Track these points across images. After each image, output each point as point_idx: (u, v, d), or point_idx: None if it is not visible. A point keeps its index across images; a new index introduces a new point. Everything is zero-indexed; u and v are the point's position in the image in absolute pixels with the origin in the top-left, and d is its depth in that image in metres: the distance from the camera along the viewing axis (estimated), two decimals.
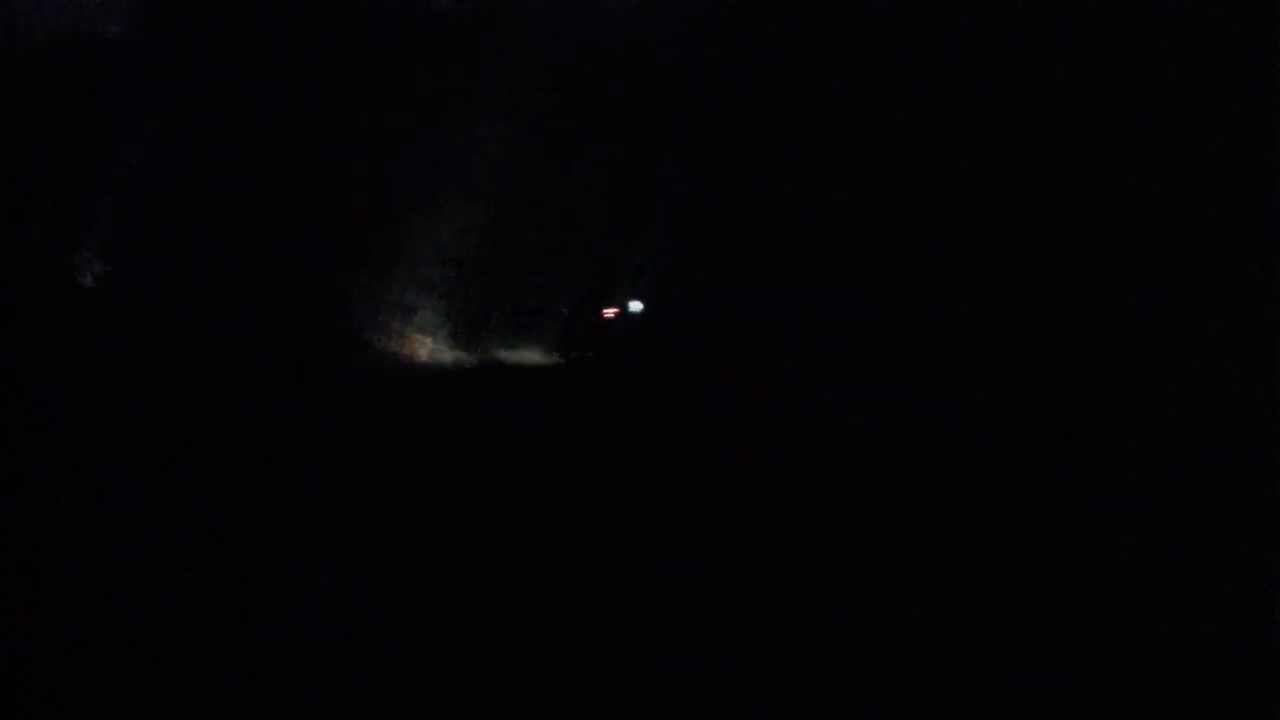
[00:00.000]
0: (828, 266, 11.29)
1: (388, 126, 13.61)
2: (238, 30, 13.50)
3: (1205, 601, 7.79)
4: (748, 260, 12.30)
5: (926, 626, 8.34)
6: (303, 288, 13.44)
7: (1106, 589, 8.30)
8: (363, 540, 9.12)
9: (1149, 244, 9.24)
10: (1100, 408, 9.24)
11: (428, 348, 14.03)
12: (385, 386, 13.08)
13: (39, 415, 10.11)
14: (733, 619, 8.08)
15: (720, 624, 8.02)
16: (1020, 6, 10.25)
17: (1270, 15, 8.75)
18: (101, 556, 8.71)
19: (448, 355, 14.13)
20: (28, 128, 13.03)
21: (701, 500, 9.65)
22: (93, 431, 10.20)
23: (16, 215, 12.61)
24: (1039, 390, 9.61)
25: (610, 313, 13.71)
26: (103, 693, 7.24)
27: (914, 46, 10.74)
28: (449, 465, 10.44)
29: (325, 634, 7.75)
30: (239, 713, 7.23)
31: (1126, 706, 7.18)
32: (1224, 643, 7.43)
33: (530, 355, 14.07)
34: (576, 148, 13.36)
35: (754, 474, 10.02)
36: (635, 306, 13.35)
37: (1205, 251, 8.90)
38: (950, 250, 10.49)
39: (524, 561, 8.83)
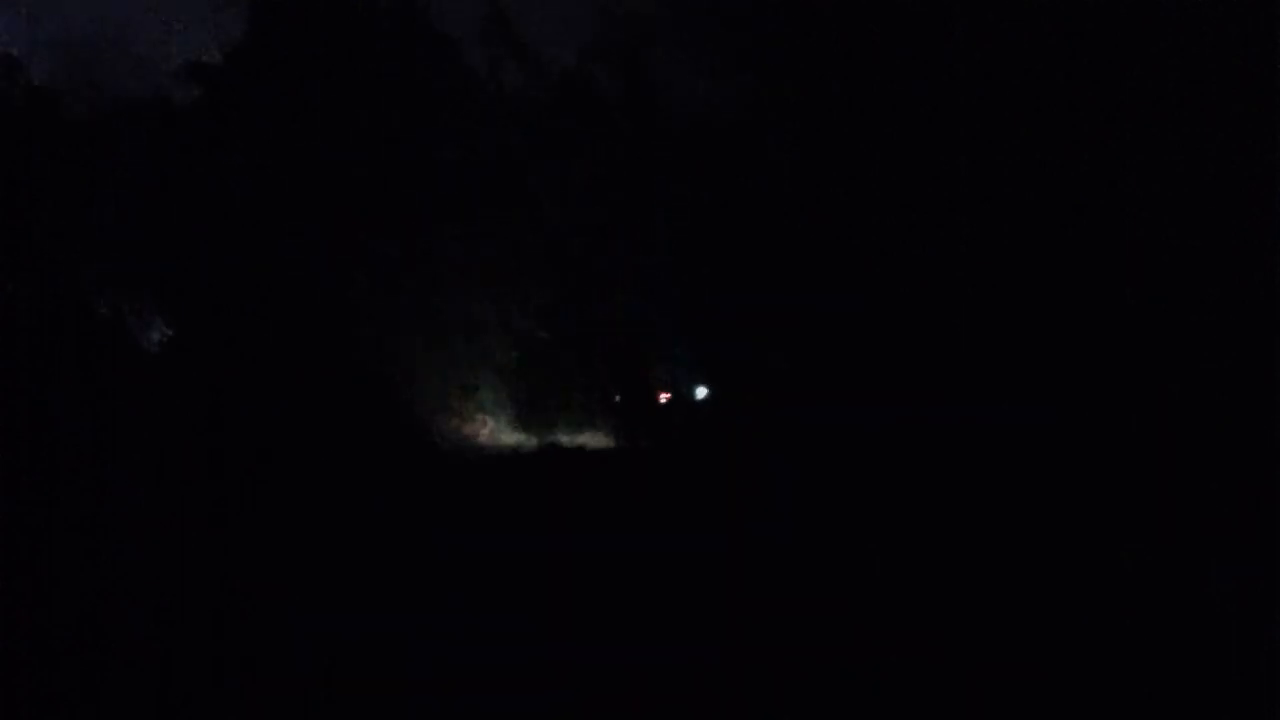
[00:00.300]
0: (828, 266, 11.32)
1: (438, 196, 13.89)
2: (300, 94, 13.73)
3: (1205, 601, 7.77)
4: (750, 261, 12.33)
5: (929, 627, 8.36)
6: (368, 366, 13.64)
7: (1107, 589, 8.29)
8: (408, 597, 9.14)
9: (1149, 244, 9.23)
10: (1101, 407, 9.24)
11: (489, 428, 14.20)
12: (449, 468, 13.18)
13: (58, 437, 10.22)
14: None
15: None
16: (1020, 7, 10.26)
17: (1270, 15, 8.75)
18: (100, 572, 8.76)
19: (509, 437, 14.27)
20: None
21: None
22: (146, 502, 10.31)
23: (23, 224, 12.72)
24: (1040, 390, 9.61)
25: (664, 397, 13.85)
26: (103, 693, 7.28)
27: (914, 47, 10.77)
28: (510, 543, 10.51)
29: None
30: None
31: (1127, 706, 7.17)
32: (1224, 643, 7.41)
33: (589, 439, 14.18)
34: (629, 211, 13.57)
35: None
36: (700, 392, 13.45)
37: (1205, 251, 8.89)
38: (951, 250, 10.51)
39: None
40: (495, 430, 14.22)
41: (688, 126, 13.36)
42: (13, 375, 11.05)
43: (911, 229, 10.84)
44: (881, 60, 11.11)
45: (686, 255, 13.17)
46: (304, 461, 12.04)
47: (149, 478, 10.74)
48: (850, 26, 11.36)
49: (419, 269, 13.94)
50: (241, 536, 10.40)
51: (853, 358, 11.15)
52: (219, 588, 9.31)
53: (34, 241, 12.81)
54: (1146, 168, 9.35)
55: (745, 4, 12.48)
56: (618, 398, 13.92)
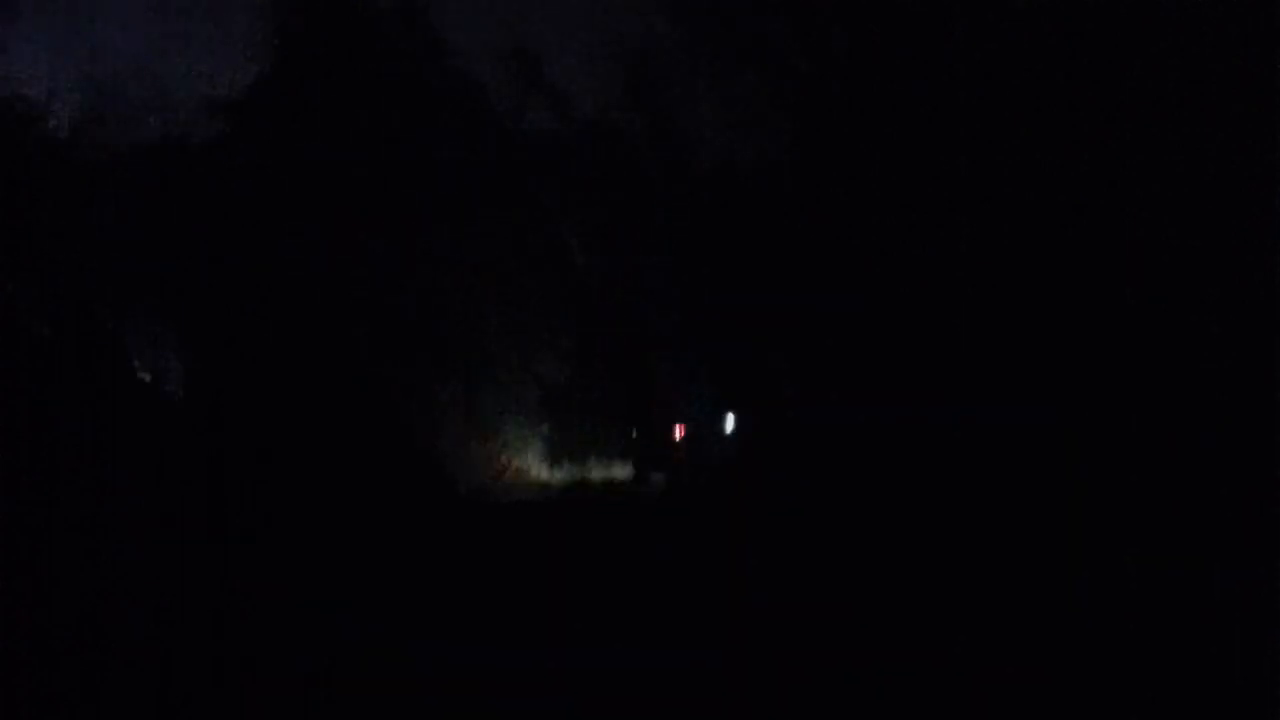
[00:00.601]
0: (828, 266, 11.32)
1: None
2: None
3: (1206, 602, 7.77)
4: (751, 262, 12.33)
5: (931, 627, 8.36)
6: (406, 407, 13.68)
7: (1108, 589, 8.29)
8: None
9: (1149, 244, 9.23)
10: (1101, 407, 9.24)
11: (514, 466, 14.29)
12: (481, 504, 13.23)
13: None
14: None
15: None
16: (1021, 7, 10.27)
17: (1270, 15, 8.74)
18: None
19: (539, 472, 14.40)
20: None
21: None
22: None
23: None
24: (1040, 390, 9.61)
25: (680, 431, 13.92)
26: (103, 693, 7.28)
27: (914, 46, 10.77)
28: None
29: None
30: None
31: (1127, 706, 7.17)
32: (1225, 643, 7.41)
33: (613, 472, 14.36)
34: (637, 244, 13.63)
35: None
36: (729, 423, 13.47)
37: (1205, 251, 8.88)
38: (952, 250, 10.51)
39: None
40: (520, 468, 14.36)
41: (689, 127, 13.37)
42: (13, 376, 11.05)
43: (912, 229, 10.84)
44: (881, 60, 11.12)
45: (692, 260, 13.18)
46: (307, 467, 12.02)
47: (150, 480, 10.74)
48: (849, 26, 11.37)
49: (427, 275, 13.95)
50: (243, 539, 10.39)
51: (853, 358, 11.15)
52: (219, 588, 9.29)
53: (34, 244, 12.83)
54: (1146, 168, 9.34)
55: (746, 5, 12.49)
56: (634, 433, 14.07)
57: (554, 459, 14.38)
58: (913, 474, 10.13)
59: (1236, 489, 8.06)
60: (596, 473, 14.30)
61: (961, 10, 10.67)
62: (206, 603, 8.98)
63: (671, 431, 13.94)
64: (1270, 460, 7.83)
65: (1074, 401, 9.44)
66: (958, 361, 10.34)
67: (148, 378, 13.14)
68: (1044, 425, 9.44)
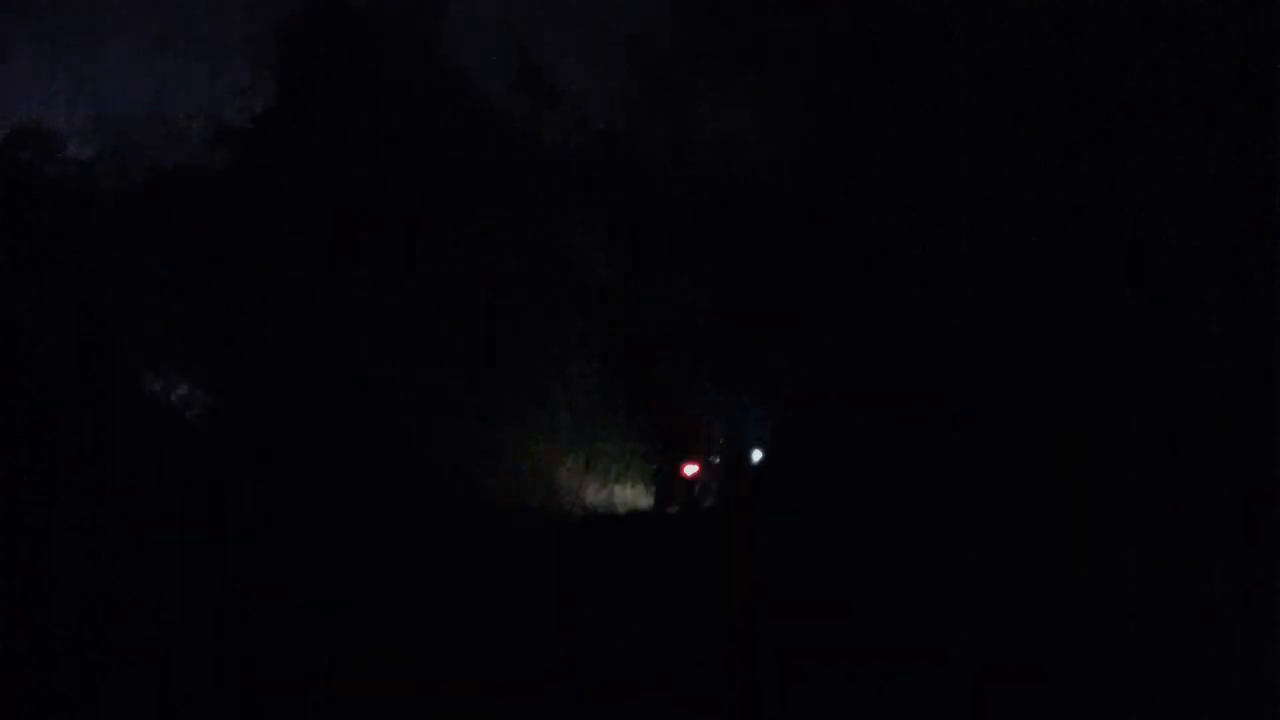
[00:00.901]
0: (828, 266, 11.34)
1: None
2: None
3: (1207, 603, 7.77)
4: (751, 262, 12.36)
5: (931, 628, 8.38)
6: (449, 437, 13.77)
7: (1108, 590, 8.30)
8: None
9: (1149, 244, 9.23)
10: (1101, 407, 9.24)
11: (543, 494, 14.47)
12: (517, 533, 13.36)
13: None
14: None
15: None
16: (1021, 7, 10.28)
17: (1270, 15, 8.74)
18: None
19: (568, 501, 14.59)
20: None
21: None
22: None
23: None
24: (1040, 390, 9.62)
25: (693, 471, 14.22)
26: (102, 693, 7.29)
27: (914, 46, 10.78)
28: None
29: None
30: None
31: (1127, 707, 7.19)
32: (1226, 644, 7.41)
33: (638, 501, 14.68)
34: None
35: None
36: (757, 455, 13.71)
37: (1205, 251, 8.88)
38: (952, 250, 10.52)
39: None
40: (550, 493, 14.51)
41: (689, 128, 13.40)
42: (14, 376, 11.08)
43: (912, 229, 10.86)
44: (881, 60, 11.13)
45: (700, 269, 13.27)
46: (308, 468, 12.05)
47: (150, 479, 10.77)
48: (849, 28, 11.39)
49: (430, 279, 13.97)
50: (244, 539, 10.42)
51: (852, 357, 11.17)
52: (219, 588, 9.31)
53: (35, 245, 12.85)
54: (1146, 168, 9.34)
55: (749, 5, 12.53)
56: (656, 468, 14.40)
57: (580, 487, 14.62)
58: (912, 474, 10.15)
59: (1236, 489, 8.06)
60: (621, 501, 14.59)
61: (961, 10, 10.68)
62: (206, 603, 8.98)
63: (682, 469, 14.33)
64: (1270, 460, 7.83)
65: (1074, 401, 9.43)
66: (958, 361, 10.35)
67: (159, 386, 13.21)
68: (1044, 425, 9.44)
